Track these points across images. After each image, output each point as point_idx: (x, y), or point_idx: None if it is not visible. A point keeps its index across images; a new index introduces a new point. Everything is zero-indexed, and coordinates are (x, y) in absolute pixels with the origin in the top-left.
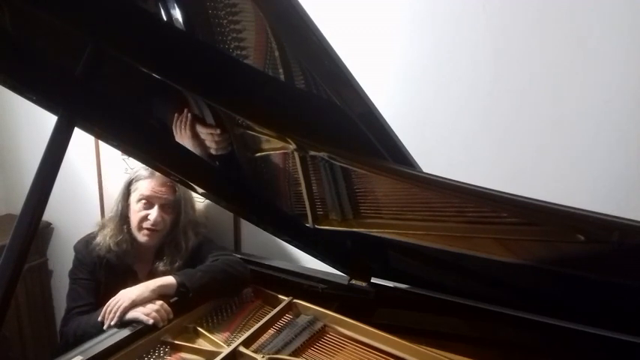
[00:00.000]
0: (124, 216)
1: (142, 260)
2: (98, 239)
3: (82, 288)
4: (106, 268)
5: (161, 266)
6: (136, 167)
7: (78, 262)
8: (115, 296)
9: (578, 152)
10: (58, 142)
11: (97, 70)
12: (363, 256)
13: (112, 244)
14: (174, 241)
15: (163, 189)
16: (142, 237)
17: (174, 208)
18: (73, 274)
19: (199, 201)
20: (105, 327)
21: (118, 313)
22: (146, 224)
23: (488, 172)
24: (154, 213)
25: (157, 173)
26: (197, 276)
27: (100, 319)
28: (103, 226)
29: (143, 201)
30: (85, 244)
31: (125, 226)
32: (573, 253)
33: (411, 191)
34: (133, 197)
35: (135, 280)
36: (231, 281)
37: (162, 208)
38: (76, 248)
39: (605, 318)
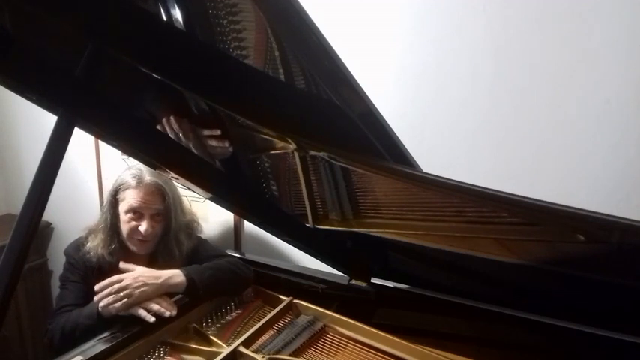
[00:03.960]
0: (114, 225)
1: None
2: (89, 247)
3: (72, 288)
4: (98, 274)
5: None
6: (121, 174)
7: (70, 265)
8: (122, 276)
9: (578, 152)
10: (58, 142)
11: (97, 70)
12: (363, 256)
13: (105, 254)
14: (167, 248)
15: (152, 198)
16: (133, 246)
17: (164, 216)
18: (63, 277)
19: (199, 201)
20: (101, 305)
21: (120, 305)
22: (137, 236)
23: (488, 172)
24: (144, 225)
25: (144, 182)
26: (207, 274)
27: (97, 298)
28: (92, 233)
29: (132, 212)
30: (77, 249)
31: (116, 235)
32: (573, 253)
33: (411, 191)
34: (122, 207)
35: None
36: (237, 281)
37: (152, 217)
38: (67, 252)
39: (605, 318)
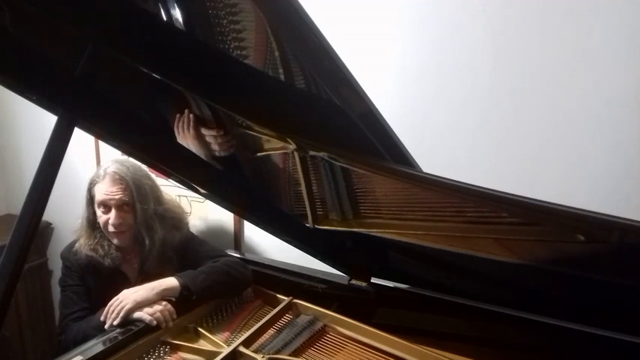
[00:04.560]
0: (92, 222)
1: (129, 262)
2: (77, 247)
3: (73, 294)
4: (94, 274)
5: (148, 266)
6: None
7: (66, 269)
8: (118, 296)
9: (578, 152)
10: (58, 142)
11: (97, 70)
12: (363, 256)
13: (87, 252)
14: (139, 237)
15: (114, 189)
16: (113, 240)
17: (132, 206)
18: (62, 281)
19: (199, 201)
20: (106, 327)
21: (121, 314)
22: (110, 228)
23: (488, 172)
24: (112, 216)
25: (107, 174)
26: (200, 278)
27: (102, 318)
28: (80, 234)
29: (102, 205)
30: (70, 251)
31: (97, 232)
32: (573, 253)
33: (411, 191)
34: (95, 203)
35: (125, 282)
36: (234, 283)
37: (119, 209)
38: (62, 256)
39: (605, 318)
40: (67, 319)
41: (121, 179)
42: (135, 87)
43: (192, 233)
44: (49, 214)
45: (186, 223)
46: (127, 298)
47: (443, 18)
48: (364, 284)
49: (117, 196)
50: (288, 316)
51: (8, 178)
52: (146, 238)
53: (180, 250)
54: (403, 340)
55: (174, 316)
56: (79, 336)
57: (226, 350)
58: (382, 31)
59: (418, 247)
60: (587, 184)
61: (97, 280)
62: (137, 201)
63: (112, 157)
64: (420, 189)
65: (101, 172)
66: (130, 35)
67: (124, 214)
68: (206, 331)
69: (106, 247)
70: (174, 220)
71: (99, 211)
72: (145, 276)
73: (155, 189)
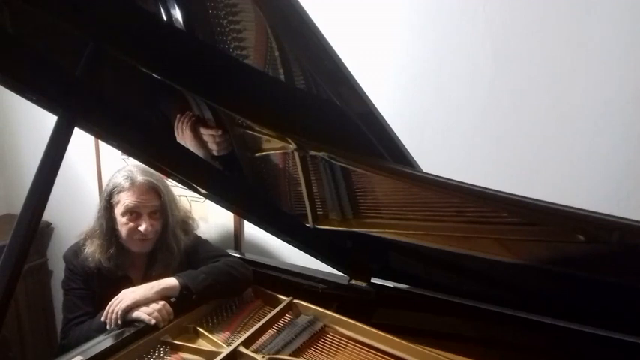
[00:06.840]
0: (110, 229)
1: (135, 266)
2: (87, 252)
3: (77, 298)
4: (99, 278)
5: (155, 270)
6: (112, 178)
7: (70, 272)
8: (118, 295)
9: (578, 152)
10: (58, 142)
11: (97, 70)
12: (363, 256)
13: (103, 260)
14: (165, 244)
15: (147, 197)
16: (134, 247)
17: (161, 213)
18: (66, 284)
19: (199, 201)
20: (108, 327)
21: (120, 313)
22: (138, 236)
23: (488, 172)
24: (143, 223)
25: (137, 182)
26: (200, 278)
27: (102, 319)
28: (89, 238)
29: (129, 213)
30: (75, 254)
31: (114, 239)
32: (573, 253)
33: (411, 191)
34: (118, 210)
35: (130, 286)
36: (234, 282)
37: (150, 216)
38: (66, 258)
39: (605, 318)
40: (70, 323)
41: (155, 188)
42: (135, 87)
43: (196, 235)
44: (49, 214)
45: (193, 227)
46: (127, 297)
47: (443, 18)
48: (364, 284)
49: (150, 204)
50: (288, 316)
51: (8, 178)
52: (174, 245)
53: (188, 253)
54: (403, 340)
55: (172, 316)
56: (81, 339)
57: (226, 350)
58: (382, 31)
59: (418, 247)
60: (587, 184)
61: (101, 283)
62: (169, 208)
63: (114, 158)
64: (420, 189)
65: (123, 179)
66: (130, 35)
67: (154, 222)
68: (206, 331)
69: (121, 256)
70: (186, 224)
71: (124, 219)
72: (149, 280)
73: (175, 197)
